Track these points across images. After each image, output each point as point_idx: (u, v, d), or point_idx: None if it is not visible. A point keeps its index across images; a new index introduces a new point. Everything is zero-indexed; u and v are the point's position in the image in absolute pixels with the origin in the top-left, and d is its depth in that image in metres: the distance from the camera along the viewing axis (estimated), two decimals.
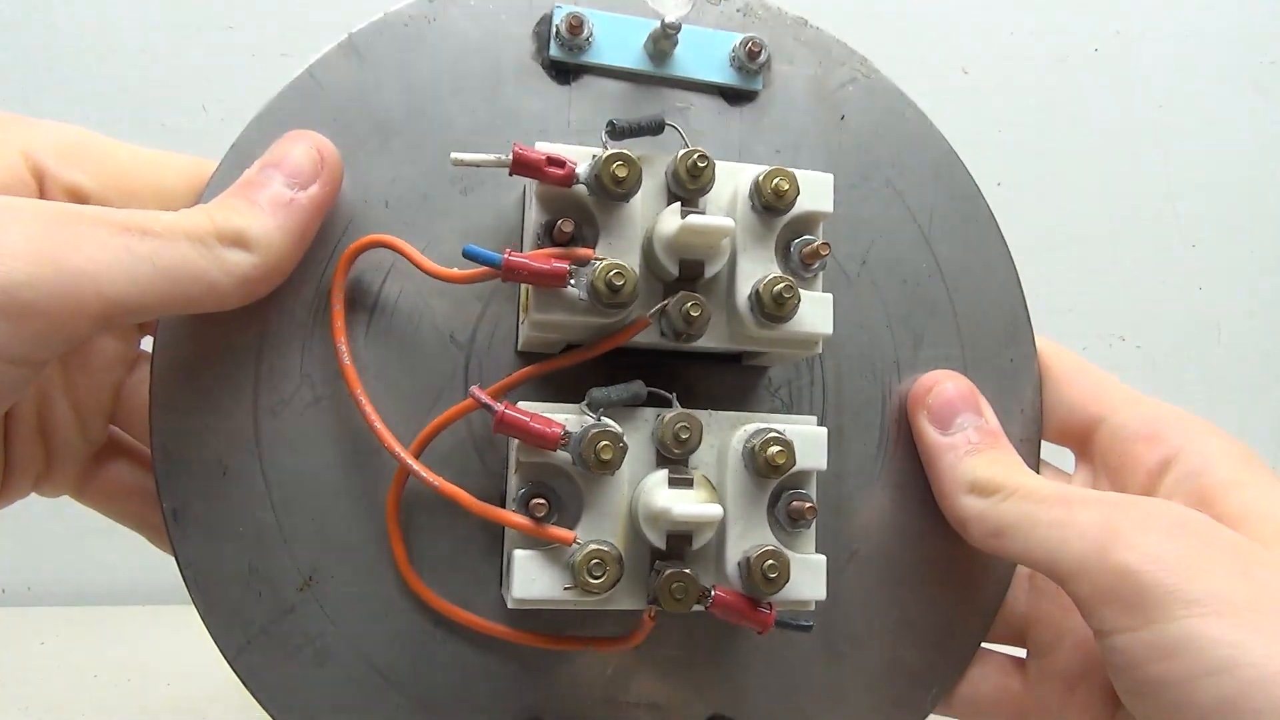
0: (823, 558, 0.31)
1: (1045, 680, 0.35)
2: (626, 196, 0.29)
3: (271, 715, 0.31)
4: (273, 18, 0.68)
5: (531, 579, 0.29)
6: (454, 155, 0.29)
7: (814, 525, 0.31)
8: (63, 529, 0.69)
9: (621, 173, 0.28)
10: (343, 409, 0.31)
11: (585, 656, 0.33)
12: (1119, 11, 0.72)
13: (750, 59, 0.35)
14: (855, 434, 0.35)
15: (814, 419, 0.32)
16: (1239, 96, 0.72)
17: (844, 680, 0.34)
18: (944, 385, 0.35)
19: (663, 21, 0.33)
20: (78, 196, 0.30)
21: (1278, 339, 0.71)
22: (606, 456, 0.28)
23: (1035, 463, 0.37)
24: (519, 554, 0.29)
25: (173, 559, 0.31)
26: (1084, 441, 0.37)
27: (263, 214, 0.29)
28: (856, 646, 0.34)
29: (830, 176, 0.31)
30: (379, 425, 0.30)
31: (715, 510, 0.28)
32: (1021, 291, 0.37)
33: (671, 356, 0.33)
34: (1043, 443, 0.38)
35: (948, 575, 0.35)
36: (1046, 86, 0.71)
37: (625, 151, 0.28)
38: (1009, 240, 0.38)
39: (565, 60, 0.34)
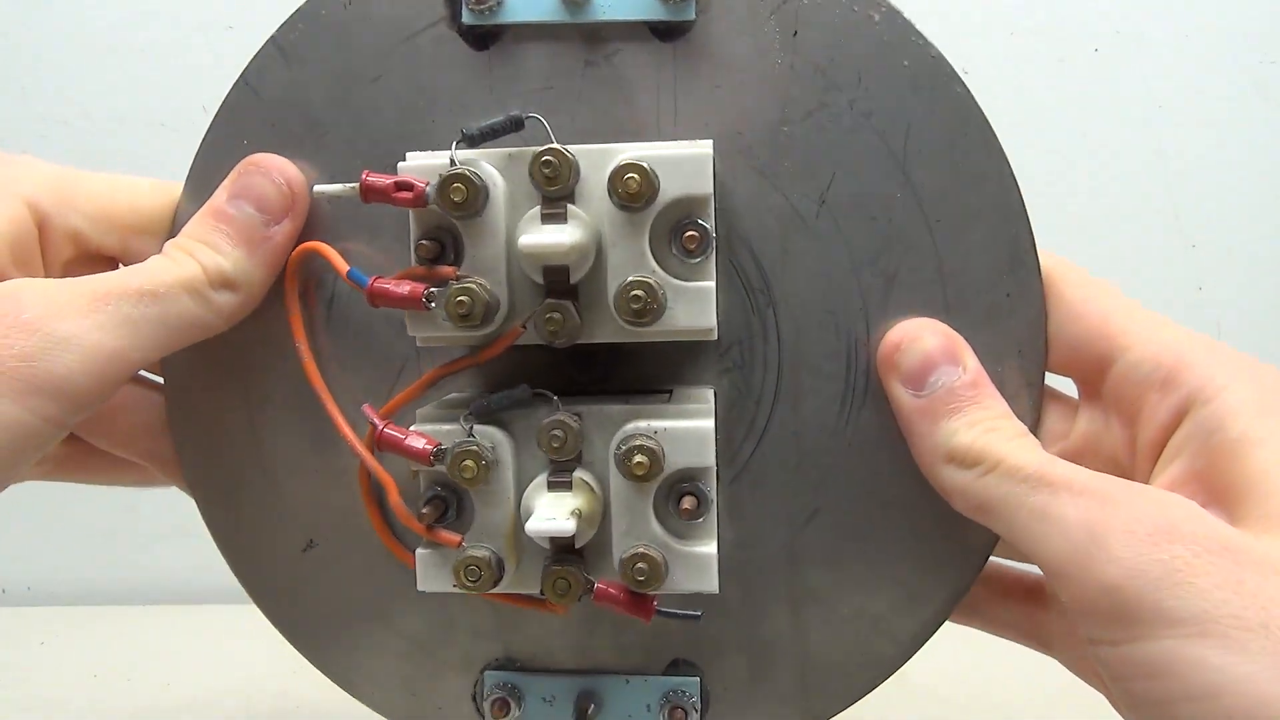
0: (712, 551, 0.30)
1: (1059, 608, 0.34)
2: (474, 214, 0.29)
3: (298, 648, 0.36)
4: (273, 18, 0.68)
5: (432, 575, 0.31)
6: (315, 189, 0.31)
7: (712, 515, 0.31)
8: (63, 529, 0.69)
9: (458, 196, 0.29)
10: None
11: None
12: (1119, 11, 0.71)
13: None
14: (816, 389, 0.33)
15: (708, 407, 0.31)
16: (1239, 96, 0.72)
17: (808, 634, 0.34)
18: (914, 339, 0.32)
19: None
20: (78, 240, 0.33)
21: (1278, 339, 0.71)
22: (468, 476, 0.29)
23: (1036, 409, 0.33)
24: (419, 551, 0.31)
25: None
26: (1094, 379, 0.33)
27: (242, 254, 0.31)
28: (817, 599, 0.34)
29: (706, 151, 0.29)
30: (341, 422, 0.32)
31: (566, 525, 0.29)
32: (1024, 209, 0.32)
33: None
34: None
35: (924, 537, 0.33)
36: (1046, 86, 0.71)
37: (462, 171, 0.29)
38: None
39: (479, 24, 0.32)
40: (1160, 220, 0.73)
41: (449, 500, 0.31)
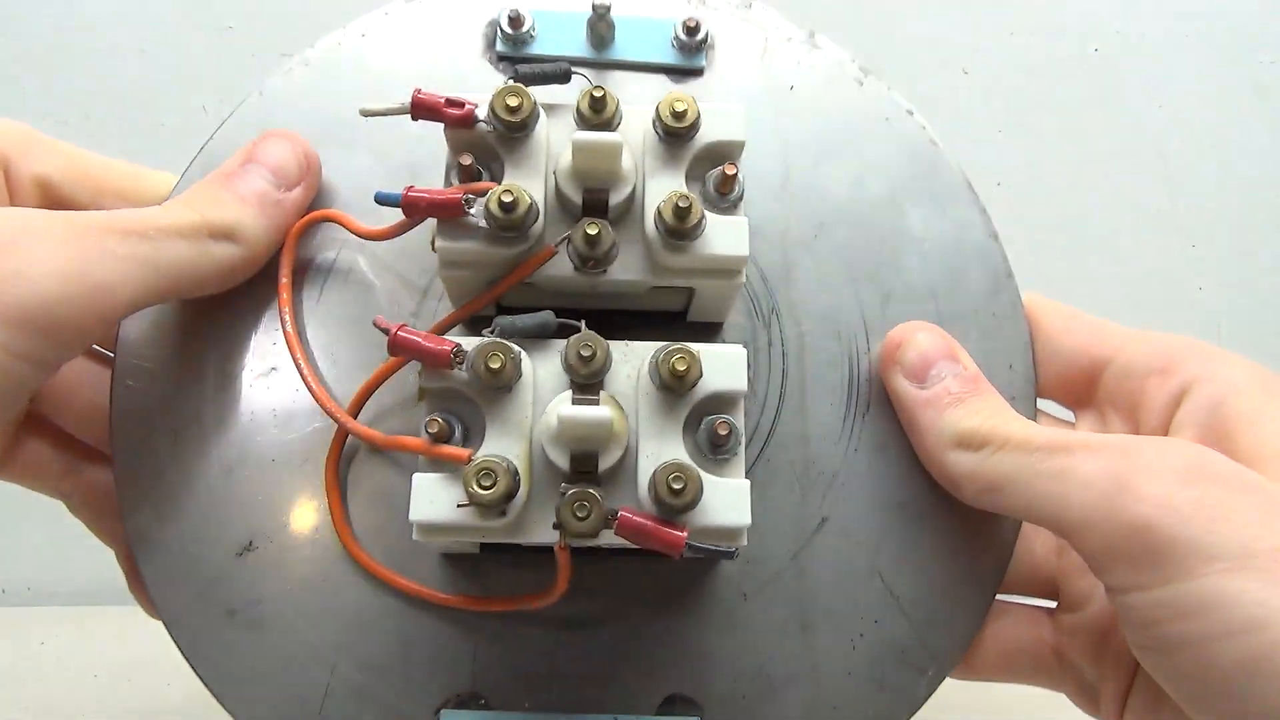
0: (745, 482, 0.28)
1: (1077, 633, 0.33)
2: (525, 128, 0.29)
3: (206, 683, 0.31)
4: (273, 18, 0.68)
5: (429, 500, 0.27)
6: (362, 107, 0.30)
7: (741, 451, 0.28)
8: (63, 529, 0.69)
9: (514, 101, 0.28)
10: (288, 379, 0.33)
11: (530, 627, 0.32)
12: (1119, 11, 0.71)
13: (689, 36, 0.35)
14: (821, 396, 0.34)
15: (740, 347, 0.29)
16: (1239, 96, 0.72)
17: (818, 658, 0.32)
18: (915, 337, 0.33)
19: (593, 4, 0.33)
20: (44, 186, 0.31)
21: (1278, 339, 0.71)
22: (495, 365, 0.27)
23: (1031, 418, 0.34)
24: (418, 477, 0.28)
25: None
26: (1088, 388, 0.34)
27: (251, 210, 0.30)
28: (831, 621, 0.32)
29: (741, 106, 0.30)
30: (313, 383, 0.31)
31: (603, 413, 0.27)
32: (1000, 249, 0.35)
33: (615, 317, 0.32)
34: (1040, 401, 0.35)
35: (938, 546, 0.33)
36: (1046, 86, 0.71)
37: (516, 85, 0.29)
38: (1007, 241, 0.36)
39: (511, 55, 0.35)
40: (1160, 220, 0.73)
41: (452, 427, 0.28)
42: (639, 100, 0.34)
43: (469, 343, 0.28)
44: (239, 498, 0.32)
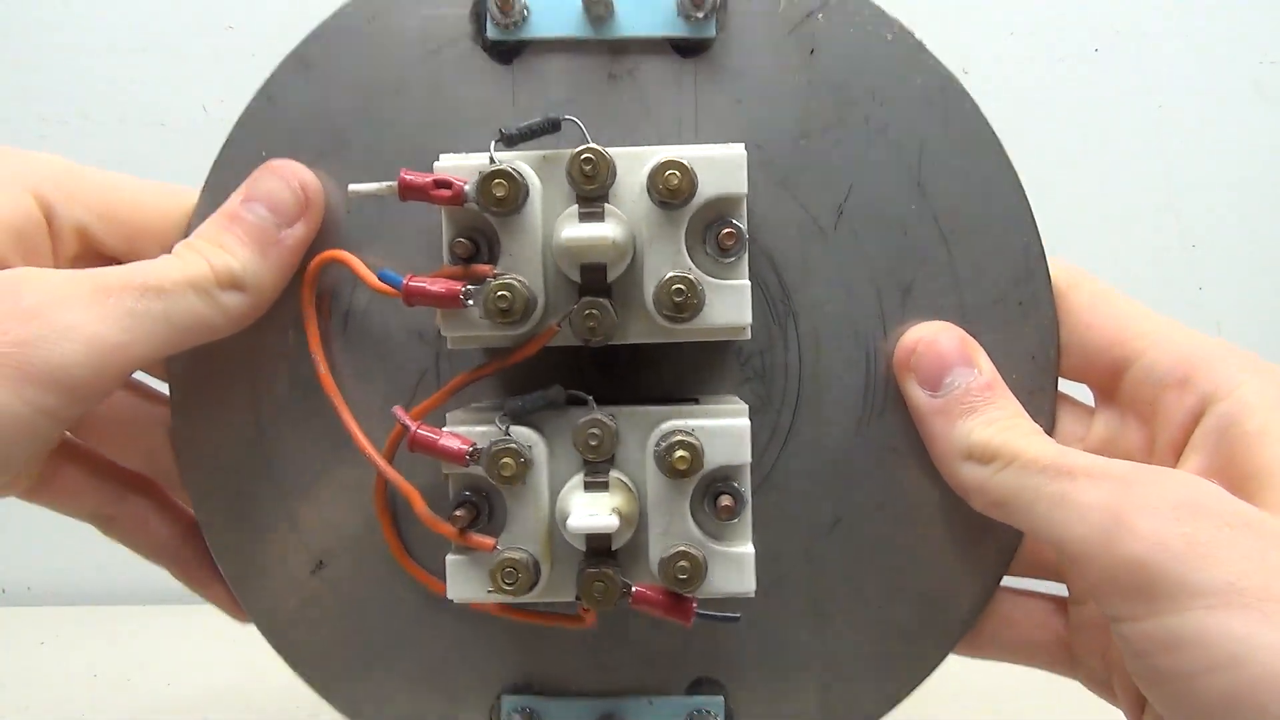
0: (749, 551, 0.30)
1: (1086, 621, 0.33)
2: (513, 211, 0.29)
3: (303, 677, 0.35)
4: (273, 18, 0.68)
5: (463, 582, 0.30)
6: (350, 188, 0.30)
7: (747, 516, 0.30)
8: (63, 529, 0.69)
9: (500, 192, 0.28)
10: (330, 410, 0.33)
11: (566, 630, 0.34)
12: (1119, 11, 0.71)
13: (696, 4, 0.32)
14: (836, 398, 0.34)
15: (742, 408, 0.31)
16: (1239, 96, 0.72)
17: (831, 643, 0.34)
18: (930, 341, 0.32)
19: None
20: (84, 236, 0.32)
21: (1278, 339, 0.71)
22: (507, 474, 0.29)
23: (1050, 413, 0.34)
24: (450, 559, 0.30)
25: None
26: (1110, 383, 0.33)
27: (254, 255, 0.31)
28: (842, 610, 0.34)
29: (741, 152, 0.30)
30: (355, 430, 0.31)
31: (608, 521, 0.28)
32: (1033, 222, 0.33)
33: (633, 348, 0.33)
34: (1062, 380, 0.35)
35: (947, 540, 0.34)
36: (1046, 86, 0.71)
37: (504, 168, 0.28)
38: None
39: (504, 39, 0.33)
40: (1160, 220, 0.72)
41: (480, 506, 0.31)
42: (646, 83, 0.33)
43: (485, 436, 0.29)
44: (306, 521, 0.34)
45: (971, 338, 0.33)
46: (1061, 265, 0.34)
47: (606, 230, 0.28)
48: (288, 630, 0.35)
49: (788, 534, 0.34)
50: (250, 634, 0.36)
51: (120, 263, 0.32)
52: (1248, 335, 0.72)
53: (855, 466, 0.34)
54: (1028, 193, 0.33)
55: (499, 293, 0.28)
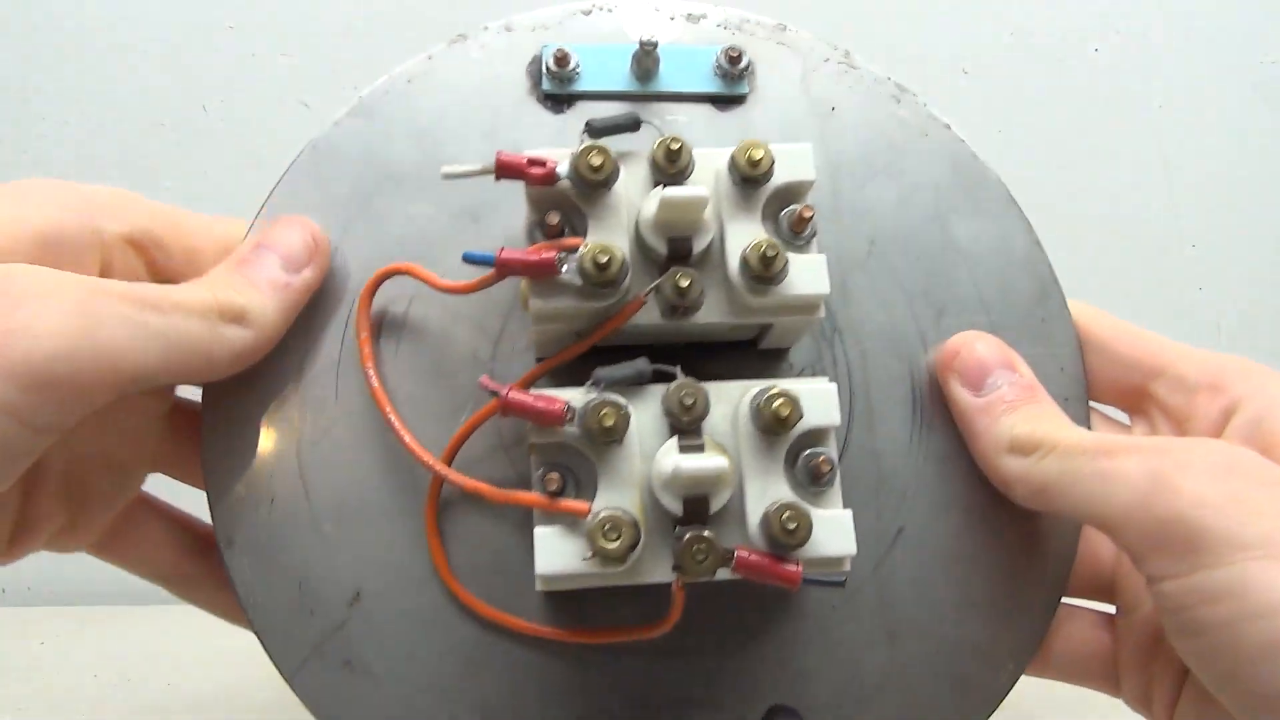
0: (848, 512, 0.30)
1: (1133, 635, 0.34)
2: (606, 184, 0.30)
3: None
4: (273, 18, 0.68)
5: (553, 552, 0.29)
6: (444, 169, 0.30)
7: (837, 481, 0.30)
8: None
9: (597, 161, 0.29)
10: (377, 432, 0.33)
11: (633, 656, 0.33)
12: (1119, 11, 0.72)
13: (732, 65, 0.36)
14: (886, 411, 0.35)
15: (826, 379, 0.31)
16: (1239, 96, 0.72)
17: (906, 663, 0.34)
18: (973, 345, 0.34)
19: (640, 41, 0.35)
20: (139, 245, 0.32)
21: (1278, 339, 0.71)
22: (609, 423, 0.28)
23: (1084, 420, 0.36)
24: (539, 530, 0.29)
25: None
26: (1139, 398, 0.35)
27: (261, 294, 0.31)
28: (915, 628, 0.34)
29: (808, 145, 0.32)
30: (407, 437, 0.32)
31: (720, 462, 0.28)
32: (1044, 255, 0.37)
33: (687, 350, 0.33)
34: (1093, 403, 0.37)
35: (1007, 546, 0.34)
36: (1046, 86, 0.71)
37: (598, 144, 0.29)
38: None
39: (557, 92, 0.36)
40: (1160, 220, 0.73)
41: (565, 479, 0.30)
42: (686, 128, 0.36)
43: (575, 399, 0.29)
44: (341, 551, 0.33)
45: (1009, 346, 0.34)
46: (1079, 305, 0.36)
47: (700, 190, 0.29)
48: (315, 676, 0.33)
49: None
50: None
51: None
52: (1248, 335, 0.72)
53: (912, 477, 0.35)
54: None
55: (598, 251, 0.29)
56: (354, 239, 0.35)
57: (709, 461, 0.28)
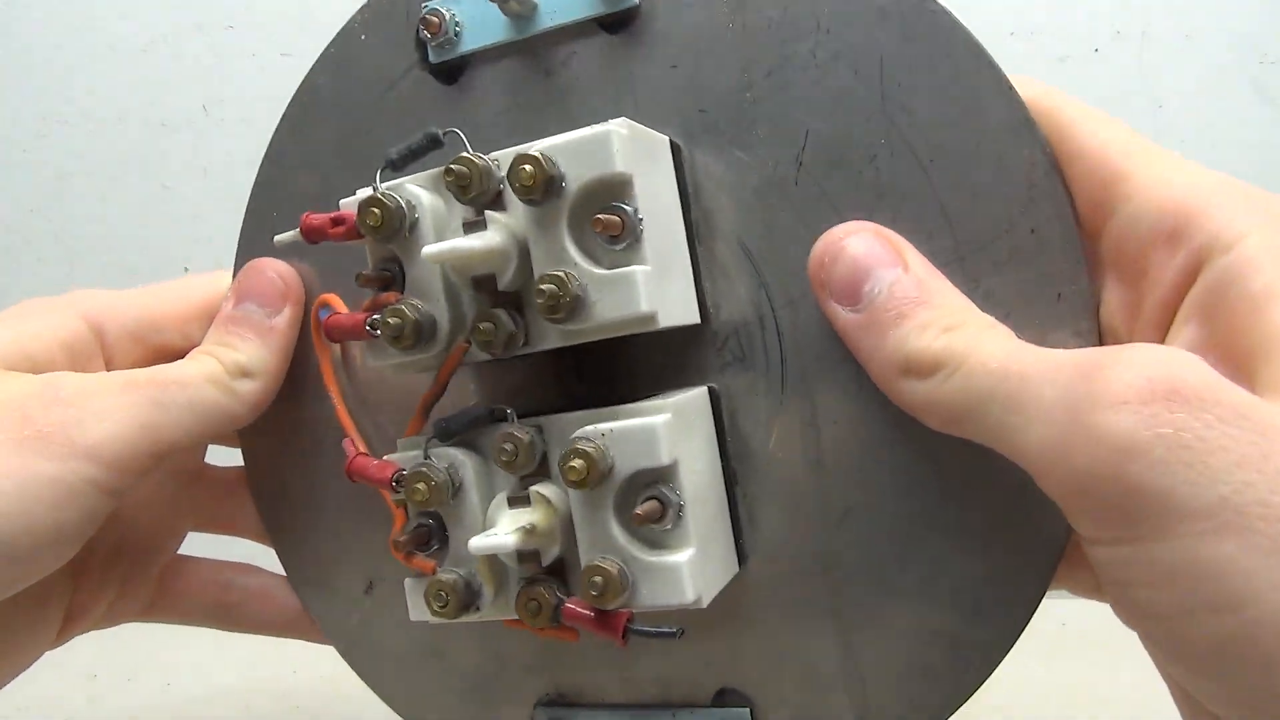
0: (681, 560, 0.27)
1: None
2: (395, 236, 0.29)
3: (362, 677, 0.38)
4: (273, 18, 0.68)
5: (418, 604, 0.30)
6: (276, 239, 0.32)
7: (686, 519, 0.27)
8: None
9: (373, 220, 0.29)
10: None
11: (600, 642, 0.32)
12: (1119, 11, 0.72)
13: None
14: (827, 372, 0.30)
15: (664, 404, 0.28)
16: (1239, 96, 0.72)
17: (859, 651, 0.30)
18: (841, 246, 0.28)
19: None
20: (140, 340, 0.36)
21: None
22: (418, 499, 0.29)
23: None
24: (407, 582, 0.31)
25: None
26: (1093, 241, 0.28)
27: (254, 344, 0.35)
28: (868, 613, 0.30)
29: (611, 129, 0.27)
30: (362, 459, 0.32)
31: (504, 540, 0.27)
32: (1035, 131, 0.28)
33: (603, 341, 0.29)
34: None
35: (977, 521, 0.29)
36: None
37: (375, 195, 0.29)
38: None
39: (445, 59, 0.33)
40: None
41: (434, 530, 0.31)
42: (583, 73, 0.32)
43: (410, 459, 0.30)
44: (358, 545, 0.37)
45: (893, 232, 0.28)
46: (1037, 85, 0.28)
47: (462, 243, 0.27)
48: (354, 647, 0.37)
49: (793, 532, 0.31)
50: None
51: (182, 355, 0.36)
52: None
53: (859, 450, 0.30)
54: None
55: (388, 319, 0.29)
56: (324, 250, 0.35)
57: (490, 541, 0.27)
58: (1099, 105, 0.30)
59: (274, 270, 0.36)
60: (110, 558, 0.37)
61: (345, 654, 0.38)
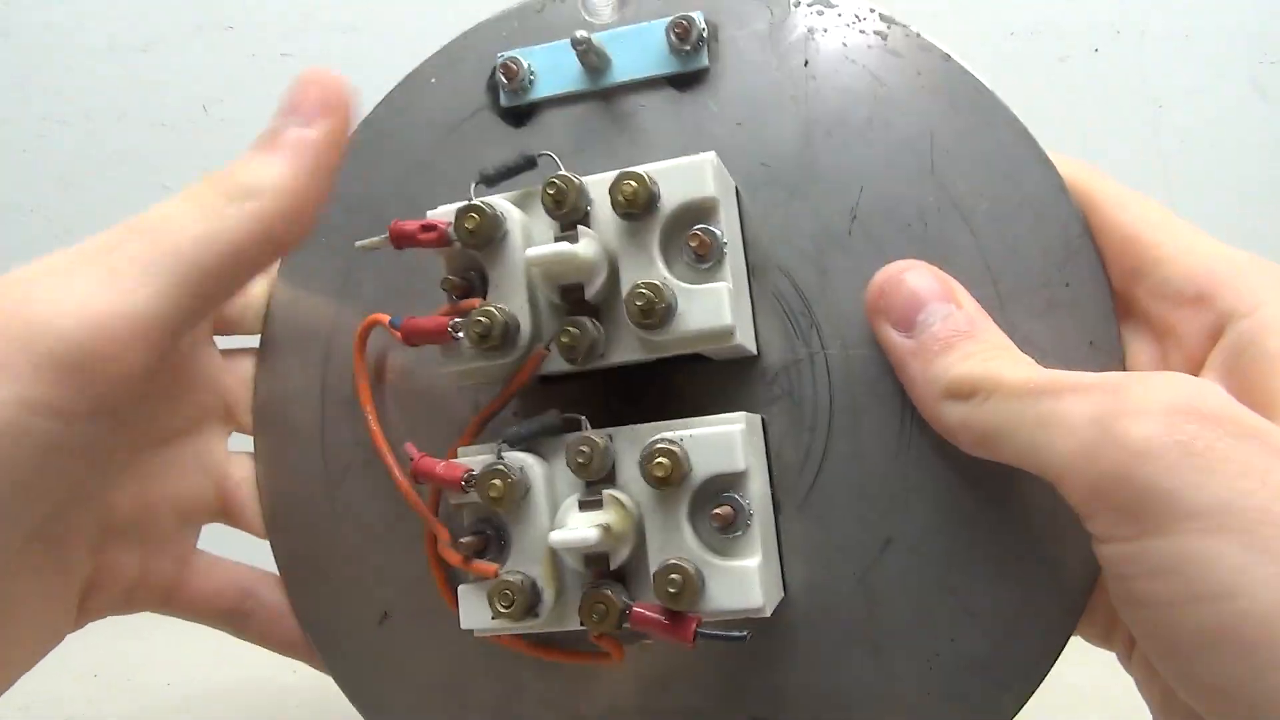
0: (752, 564, 0.28)
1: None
2: (488, 244, 0.30)
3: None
4: (273, 18, 0.68)
5: (473, 610, 0.30)
6: (358, 243, 0.32)
7: (754, 527, 0.29)
8: None
9: (471, 224, 0.30)
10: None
11: (620, 666, 0.33)
12: (1119, 11, 0.72)
13: (681, 40, 0.33)
14: (871, 408, 0.31)
15: (739, 416, 0.29)
16: (1239, 96, 0.72)
17: (895, 681, 0.31)
18: (900, 279, 0.30)
19: (572, 39, 0.33)
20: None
21: None
22: (494, 495, 0.29)
23: None
24: (461, 588, 0.31)
25: None
26: (1124, 302, 0.30)
27: (261, 155, 0.29)
28: (905, 643, 0.31)
29: (704, 158, 0.29)
30: (399, 475, 0.32)
31: (587, 534, 0.28)
32: (1068, 199, 0.31)
33: (657, 365, 0.31)
34: None
35: (1013, 553, 0.30)
36: (1046, 86, 0.71)
37: (475, 203, 0.30)
38: None
39: (516, 104, 0.35)
40: None
41: (491, 536, 0.31)
42: (649, 122, 0.34)
43: (479, 463, 0.30)
44: (371, 574, 0.35)
45: (948, 275, 0.30)
46: (1073, 163, 0.31)
47: (565, 247, 0.29)
48: (360, 681, 0.36)
49: (835, 561, 0.31)
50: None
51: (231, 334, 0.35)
52: None
53: (903, 482, 0.31)
54: None
55: (477, 319, 0.29)
56: (355, 284, 0.36)
57: (574, 535, 0.28)
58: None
59: (318, 78, 0.30)
60: (133, 528, 0.34)
61: (349, 690, 0.36)
